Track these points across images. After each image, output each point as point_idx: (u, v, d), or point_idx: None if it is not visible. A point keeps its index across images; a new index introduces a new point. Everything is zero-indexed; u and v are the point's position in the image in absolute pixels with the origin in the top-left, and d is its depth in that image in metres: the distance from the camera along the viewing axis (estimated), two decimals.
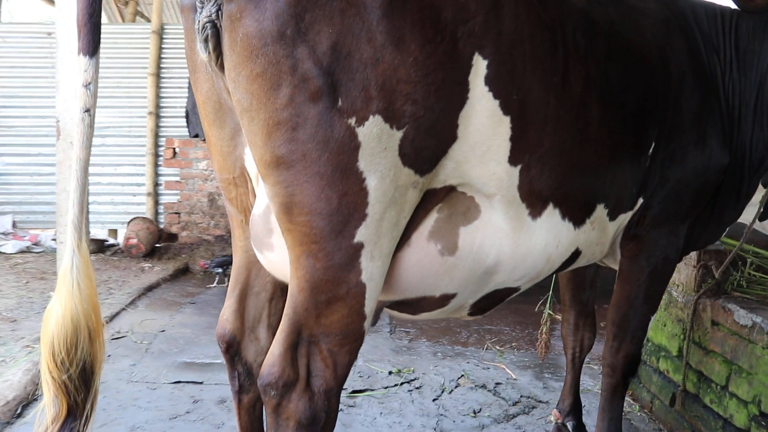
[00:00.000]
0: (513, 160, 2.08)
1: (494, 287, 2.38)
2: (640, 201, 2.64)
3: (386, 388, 4.30)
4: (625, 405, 4.07)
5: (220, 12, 1.81)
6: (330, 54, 1.73)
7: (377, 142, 1.79)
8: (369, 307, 1.99)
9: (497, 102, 1.98)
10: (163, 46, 7.86)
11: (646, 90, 2.51)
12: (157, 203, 7.95)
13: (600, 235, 2.56)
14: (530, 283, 2.50)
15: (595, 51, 2.31)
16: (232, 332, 2.46)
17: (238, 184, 2.24)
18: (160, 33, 7.86)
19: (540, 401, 4.21)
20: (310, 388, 1.99)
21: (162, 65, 7.88)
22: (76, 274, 2.02)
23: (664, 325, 4.01)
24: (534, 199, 2.21)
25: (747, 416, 3.19)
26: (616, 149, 2.41)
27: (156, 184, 7.91)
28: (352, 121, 1.76)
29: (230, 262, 6.82)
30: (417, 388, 4.32)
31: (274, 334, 2.57)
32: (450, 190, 2.10)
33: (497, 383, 4.47)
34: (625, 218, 2.64)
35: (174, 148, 7.84)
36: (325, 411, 2.02)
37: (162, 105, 7.88)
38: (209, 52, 1.87)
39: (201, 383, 4.23)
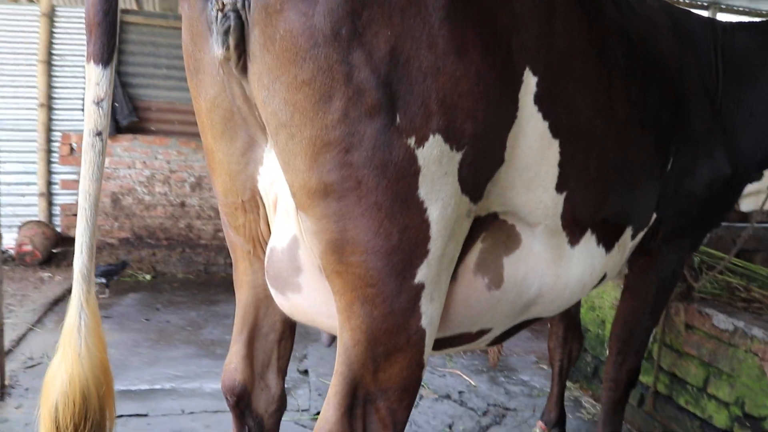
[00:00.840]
0: (560, 187, 1.93)
1: (526, 318, 2.23)
2: (654, 216, 2.57)
3: None
4: (588, 406, 4.10)
5: (248, 0, 1.49)
6: (388, 61, 1.48)
7: (438, 165, 1.56)
8: (427, 355, 1.78)
9: (546, 123, 1.82)
10: (54, 30, 7.02)
11: (671, 106, 2.44)
12: (51, 204, 7.16)
13: (622, 256, 2.48)
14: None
15: (633, 70, 2.20)
16: (243, 382, 2.14)
17: (247, 210, 1.93)
18: (51, 16, 7.03)
19: (507, 408, 4.14)
20: None
21: (54, 52, 7.05)
22: (85, 334, 1.66)
23: None
24: (574, 227, 2.08)
25: (728, 417, 3.25)
26: (648, 169, 2.33)
27: (50, 184, 7.11)
28: (412, 141, 1.52)
29: (117, 272, 6.25)
30: None
31: (283, 379, 2.29)
32: (493, 218, 1.91)
33: (460, 392, 4.35)
34: (641, 235, 2.57)
35: (71, 144, 7.07)
36: None
37: (55, 96, 7.06)
38: (228, 49, 1.53)
39: (146, 415, 3.79)
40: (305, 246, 1.76)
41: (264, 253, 2.00)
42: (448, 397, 4.27)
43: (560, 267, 2.08)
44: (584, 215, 2.07)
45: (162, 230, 6.99)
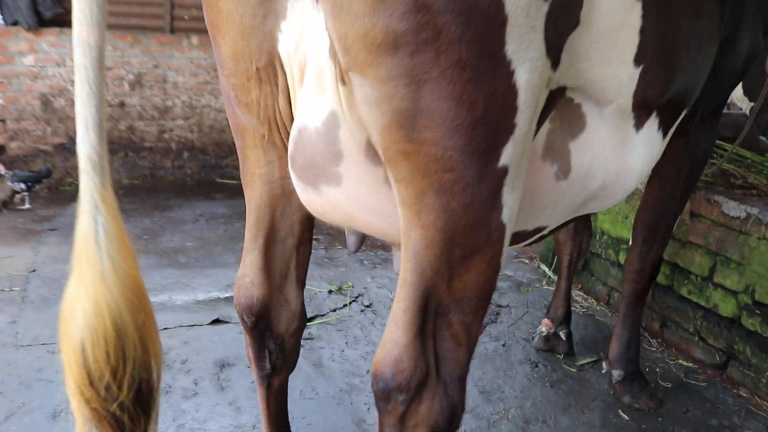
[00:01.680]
0: (638, 59, 1.65)
1: (578, 214, 1.98)
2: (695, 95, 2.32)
3: (336, 310, 3.83)
4: (579, 299, 3.99)
5: None
6: None
7: (525, 16, 1.26)
8: (504, 256, 1.51)
9: None
10: None
11: None
12: None
13: (667, 140, 2.23)
14: None
15: None
16: (262, 299, 1.85)
17: (262, 80, 1.57)
18: None
19: (500, 306, 4.01)
20: (442, 379, 1.50)
21: None
22: (105, 243, 1.29)
23: (626, 218, 3.90)
24: (642, 109, 1.81)
25: (736, 305, 3.18)
26: (709, 42, 2.04)
27: None
28: None
29: (39, 180, 5.66)
30: (368, 306, 3.91)
31: (302, 291, 2.00)
32: (560, 95, 1.61)
33: None
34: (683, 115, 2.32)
35: None
36: (462, 404, 1.54)
37: None
38: None
39: None
40: (348, 125, 1.44)
41: (283, 137, 1.67)
42: None
43: (625, 155, 1.81)
44: (654, 94, 1.79)
45: None
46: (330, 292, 4.08)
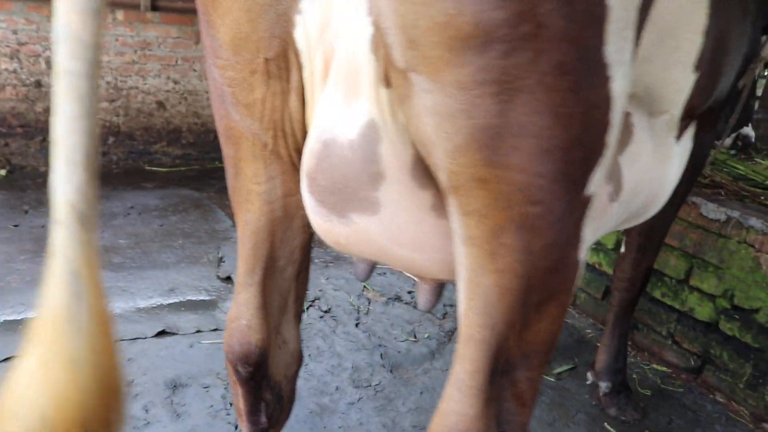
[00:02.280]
0: (698, 63, 1.45)
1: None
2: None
3: None
4: None
5: None
6: None
7: (624, 10, 1.02)
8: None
9: None
10: None
11: None
12: None
13: None
14: None
15: None
16: (261, 345, 1.55)
17: (271, 75, 1.26)
18: None
19: (451, 305, 3.81)
20: None
21: None
22: (85, 323, 0.97)
23: None
24: (687, 118, 1.63)
25: (713, 309, 3.11)
26: (745, 42, 1.88)
27: None
28: None
29: None
30: (326, 311, 3.63)
31: (299, 326, 1.72)
32: None
33: (409, 292, 3.96)
34: None
35: None
36: None
37: None
38: None
39: None
40: (391, 138, 1.16)
41: (290, 148, 1.37)
42: (398, 299, 3.86)
43: (666, 168, 1.64)
44: (700, 102, 1.62)
45: (15, 116, 5.75)
46: None
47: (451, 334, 3.50)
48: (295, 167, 1.40)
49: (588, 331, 3.71)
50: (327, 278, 4.07)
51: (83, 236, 0.91)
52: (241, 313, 1.53)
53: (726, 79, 1.79)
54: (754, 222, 2.93)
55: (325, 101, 1.22)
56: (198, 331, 3.26)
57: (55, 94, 0.87)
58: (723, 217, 3.05)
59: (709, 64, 1.52)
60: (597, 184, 1.12)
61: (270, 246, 1.50)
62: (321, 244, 4.60)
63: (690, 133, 1.73)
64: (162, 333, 3.23)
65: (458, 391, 1.17)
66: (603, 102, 1.04)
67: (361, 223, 1.28)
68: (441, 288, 1.76)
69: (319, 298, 3.78)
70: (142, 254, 4.17)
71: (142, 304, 3.51)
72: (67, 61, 0.90)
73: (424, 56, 0.99)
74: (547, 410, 2.90)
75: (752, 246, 2.94)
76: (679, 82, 1.45)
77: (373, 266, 2.02)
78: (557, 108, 0.99)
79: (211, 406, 2.67)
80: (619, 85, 1.06)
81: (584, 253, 1.20)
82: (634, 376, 3.26)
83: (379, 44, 1.07)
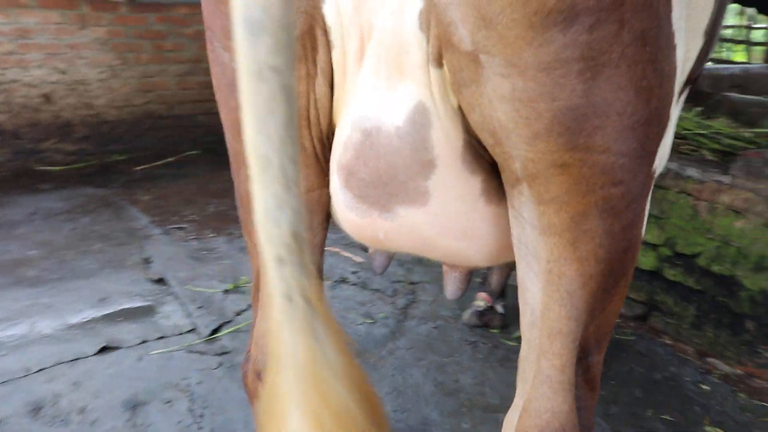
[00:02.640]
0: (707, 30, 1.46)
1: None
2: None
3: (242, 314, 3.37)
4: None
5: None
6: None
7: None
8: None
9: None
10: None
11: None
12: None
13: None
14: None
15: None
16: None
17: (298, 54, 1.12)
18: None
19: (413, 283, 3.79)
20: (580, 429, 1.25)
21: None
22: (336, 365, 0.76)
23: None
24: (685, 86, 1.65)
25: (657, 258, 3.25)
26: None
27: None
28: None
29: None
30: None
31: None
32: None
33: (354, 272, 3.88)
34: None
35: None
36: None
37: None
38: None
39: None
40: (443, 123, 1.08)
41: (314, 139, 1.24)
42: (344, 281, 3.77)
43: (669, 138, 1.64)
44: (699, 68, 1.62)
45: None
46: (226, 291, 3.58)
47: (406, 310, 3.46)
48: (318, 159, 1.28)
49: None
50: None
51: (311, 270, 0.72)
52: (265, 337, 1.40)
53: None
54: (692, 172, 3.06)
55: (362, 85, 1.10)
56: (143, 342, 3.03)
57: (255, 103, 0.67)
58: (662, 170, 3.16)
59: (712, 30, 1.52)
60: (660, 157, 1.11)
61: None
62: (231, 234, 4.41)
63: (682, 98, 1.75)
64: (104, 349, 2.97)
65: (549, 388, 1.12)
66: (672, 72, 1.02)
67: (407, 216, 1.19)
68: (470, 275, 1.70)
69: None
70: (59, 264, 3.83)
71: (73, 319, 3.21)
72: (271, 57, 0.67)
73: (500, 36, 0.90)
74: (515, 374, 2.93)
75: (690, 195, 3.08)
76: (692, 50, 1.44)
77: (390, 259, 1.92)
78: (639, 81, 0.95)
79: (180, 421, 2.49)
80: (680, 54, 1.04)
81: (644, 228, 1.19)
82: None
83: (430, 20, 0.97)
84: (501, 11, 0.89)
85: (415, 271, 3.94)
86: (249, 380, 1.55)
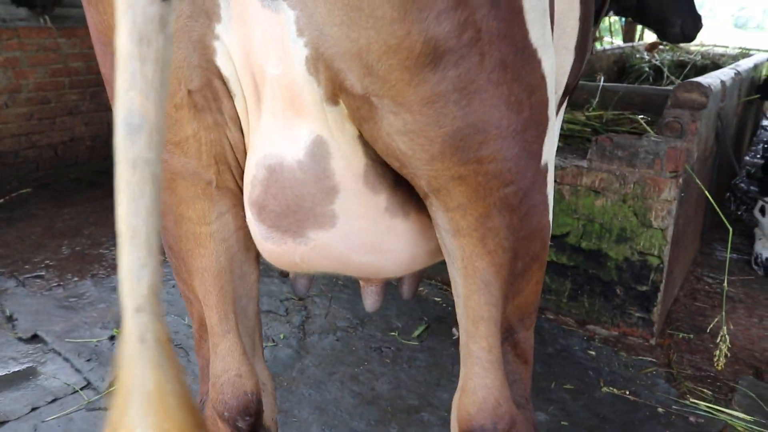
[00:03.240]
0: (579, 45, 1.67)
1: None
2: None
3: None
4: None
5: None
6: None
7: (536, 1, 1.18)
8: None
9: None
10: None
11: None
12: None
13: None
14: None
15: None
16: (254, 391, 1.44)
17: (199, 108, 1.17)
18: None
19: (302, 299, 3.79)
20: (518, 404, 1.43)
21: None
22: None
23: None
24: (564, 95, 1.86)
25: None
26: None
27: None
28: None
29: None
30: (173, 343, 3.32)
31: (266, 366, 1.62)
32: None
33: None
34: None
35: None
36: (534, 424, 1.49)
37: None
38: None
39: None
40: (342, 151, 1.19)
41: (237, 179, 1.31)
42: None
43: (551, 145, 1.83)
44: (572, 82, 1.81)
45: None
46: (112, 338, 3.36)
47: (303, 327, 3.46)
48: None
49: (421, 288, 3.93)
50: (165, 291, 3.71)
51: (161, 316, 0.79)
52: (227, 365, 1.39)
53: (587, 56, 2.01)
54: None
55: (262, 127, 1.18)
56: (34, 409, 2.77)
57: (129, 187, 0.73)
58: None
59: (581, 46, 1.70)
60: (548, 153, 1.27)
61: (233, 286, 1.39)
62: (111, 266, 4.16)
63: (561, 111, 1.93)
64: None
65: (480, 368, 1.25)
66: (541, 82, 1.18)
67: (319, 239, 1.28)
68: (386, 287, 1.80)
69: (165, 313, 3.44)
70: None
71: None
72: (145, 151, 0.73)
73: (383, 80, 1.03)
74: (426, 372, 3.05)
75: (555, 181, 3.37)
76: (564, 65, 1.60)
77: (312, 279, 1.94)
78: (507, 98, 1.10)
79: None
80: (548, 65, 1.20)
81: (551, 213, 1.37)
82: None
83: (318, 66, 1.06)
84: (379, 60, 1.00)
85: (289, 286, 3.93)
86: (210, 424, 1.51)
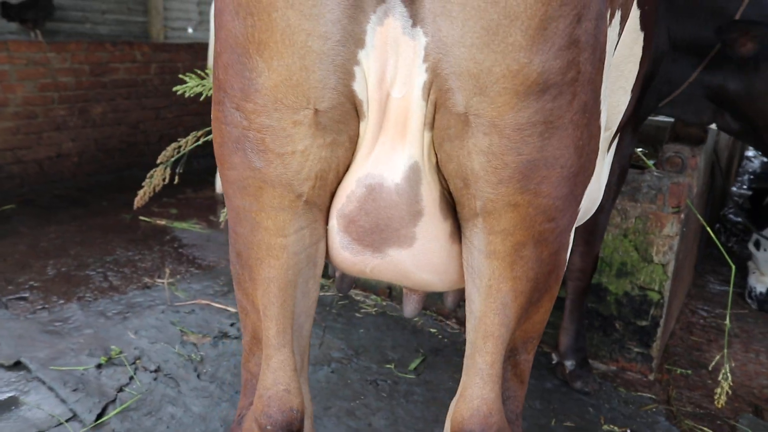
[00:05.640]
0: (633, 87, 1.73)
1: None
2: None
3: (124, 389, 3.08)
4: (362, 299, 3.97)
5: None
6: None
7: (610, 49, 1.32)
8: None
9: (639, 12, 1.64)
10: None
11: None
12: None
13: None
14: None
15: None
16: (300, 409, 1.44)
17: (320, 127, 1.19)
18: None
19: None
20: (509, 420, 1.50)
21: None
22: None
23: None
24: (618, 132, 1.91)
25: None
26: None
27: None
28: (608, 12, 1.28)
29: None
30: (157, 370, 3.23)
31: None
32: None
33: (232, 324, 3.71)
34: None
35: None
36: None
37: None
38: None
39: None
40: (428, 178, 1.27)
41: (327, 197, 1.34)
42: (225, 335, 3.60)
43: (602, 176, 1.84)
44: (627, 118, 1.87)
45: None
46: (99, 366, 3.26)
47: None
48: (326, 213, 1.36)
49: (416, 319, 3.88)
50: (135, 332, 3.62)
51: None
52: (278, 378, 1.39)
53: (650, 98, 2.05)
54: None
55: (372, 147, 1.24)
56: None
57: None
58: None
59: (638, 87, 1.74)
60: (585, 200, 1.36)
61: (293, 301, 1.39)
62: (101, 291, 4.07)
63: (615, 144, 1.95)
64: None
65: (480, 379, 1.33)
66: (597, 132, 1.27)
67: (395, 256, 1.37)
68: (426, 296, 1.89)
69: (140, 357, 3.35)
70: None
71: None
72: None
73: (491, 101, 1.09)
74: (425, 408, 2.99)
75: None
76: (619, 104, 1.62)
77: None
78: (577, 141, 1.19)
79: None
80: (604, 117, 1.28)
81: (569, 252, 1.45)
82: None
83: (431, 89, 1.13)
84: (496, 81, 1.07)
85: (225, 315, 3.85)
86: None
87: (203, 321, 3.75)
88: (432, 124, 1.18)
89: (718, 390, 2.89)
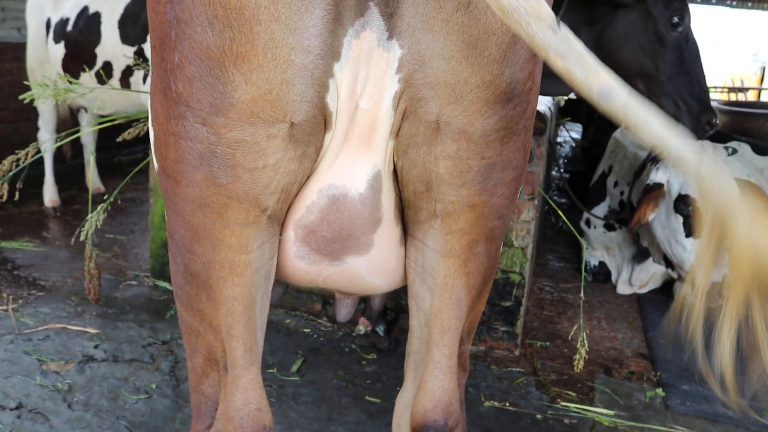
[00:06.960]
0: None
1: None
2: None
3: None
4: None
5: None
6: None
7: None
8: None
9: None
10: None
11: None
12: None
13: None
14: None
15: None
16: (272, 426, 1.44)
17: (293, 140, 1.18)
18: None
19: (165, 342, 3.55)
20: (461, 407, 1.61)
21: None
22: None
23: None
24: None
25: None
26: None
27: None
28: None
29: None
30: (19, 407, 2.94)
31: None
32: None
33: (96, 346, 3.46)
34: None
35: None
36: (465, 424, 1.68)
37: None
38: None
39: None
40: (387, 185, 1.31)
41: (287, 207, 1.34)
42: (91, 359, 3.35)
43: None
44: None
45: None
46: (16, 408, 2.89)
47: (174, 374, 3.24)
48: (278, 221, 1.34)
49: (288, 320, 3.87)
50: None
51: None
52: (249, 398, 1.35)
53: None
54: None
55: (336, 157, 1.24)
56: None
57: None
58: None
59: None
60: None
61: (255, 317, 1.35)
62: None
63: None
64: None
65: (440, 371, 1.40)
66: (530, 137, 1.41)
67: (352, 263, 1.39)
68: (358, 300, 1.94)
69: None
70: None
71: None
72: None
73: (463, 109, 1.16)
74: (315, 408, 3.00)
75: None
76: None
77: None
78: (524, 144, 1.32)
79: None
80: None
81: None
82: (354, 346, 3.58)
83: (401, 98, 1.17)
84: (471, 91, 1.15)
85: (160, 329, 3.68)
86: None
87: (62, 346, 3.46)
88: (396, 131, 1.21)
89: (577, 356, 3.21)
